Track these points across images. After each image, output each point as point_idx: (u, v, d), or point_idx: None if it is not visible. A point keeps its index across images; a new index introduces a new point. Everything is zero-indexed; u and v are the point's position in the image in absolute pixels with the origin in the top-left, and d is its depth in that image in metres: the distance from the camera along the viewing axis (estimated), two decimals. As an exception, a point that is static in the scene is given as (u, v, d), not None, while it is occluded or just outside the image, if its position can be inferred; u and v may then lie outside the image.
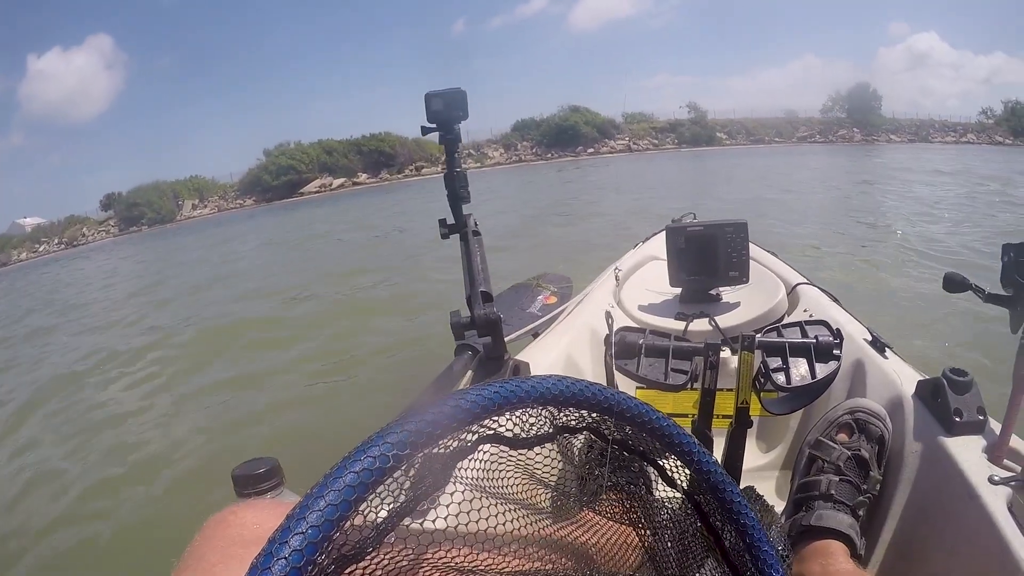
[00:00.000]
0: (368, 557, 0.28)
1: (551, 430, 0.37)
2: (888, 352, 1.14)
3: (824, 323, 0.93)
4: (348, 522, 0.24)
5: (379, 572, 0.29)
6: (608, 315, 1.05)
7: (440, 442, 0.28)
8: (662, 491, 0.43)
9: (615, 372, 0.92)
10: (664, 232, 1.58)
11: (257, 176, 31.05)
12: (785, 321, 1.33)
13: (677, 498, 0.44)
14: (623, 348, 0.94)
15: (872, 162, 18.87)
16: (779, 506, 0.93)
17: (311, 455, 2.44)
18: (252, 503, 0.49)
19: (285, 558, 0.22)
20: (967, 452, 0.83)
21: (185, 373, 4.39)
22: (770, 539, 0.40)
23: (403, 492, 0.29)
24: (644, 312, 1.54)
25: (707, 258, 1.49)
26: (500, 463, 0.37)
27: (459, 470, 0.33)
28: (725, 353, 1.11)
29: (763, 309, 1.44)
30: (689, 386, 0.92)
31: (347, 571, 0.26)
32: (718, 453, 0.92)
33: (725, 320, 1.41)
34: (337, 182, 31.09)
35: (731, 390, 0.89)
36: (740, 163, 20.37)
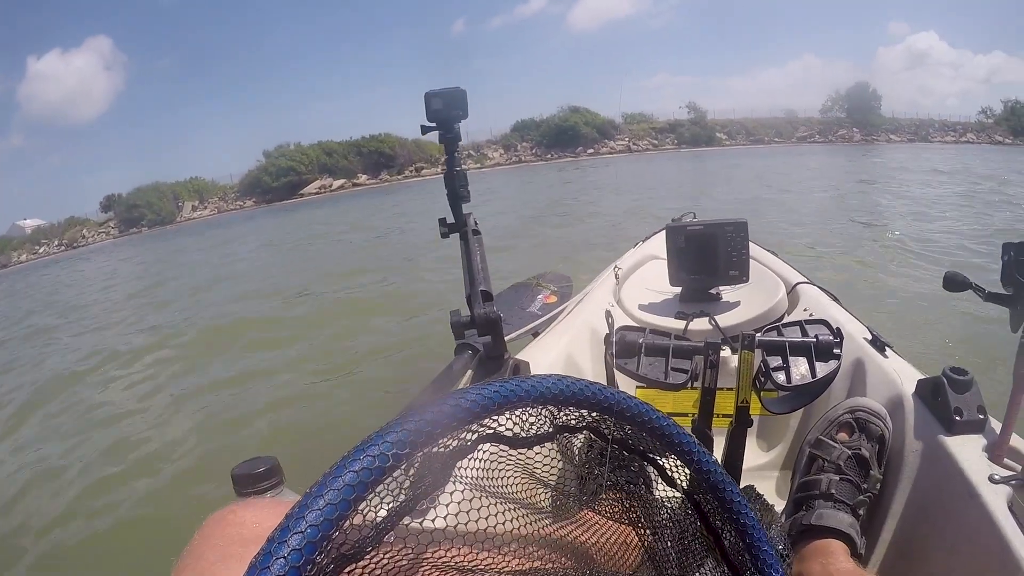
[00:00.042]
0: (368, 556, 0.28)
1: (551, 429, 0.37)
2: (888, 351, 1.14)
3: (824, 322, 0.93)
4: (347, 521, 0.24)
5: (379, 571, 0.29)
6: (608, 314, 1.05)
7: (440, 441, 0.28)
8: (662, 490, 0.43)
9: (615, 371, 0.92)
10: (664, 231, 1.58)
11: (257, 177, 31.04)
12: (785, 320, 1.33)
13: (677, 498, 0.44)
14: (623, 347, 0.94)
15: (871, 162, 18.88)
16: (779, 505, 0.93)
17: (311, 454, 2.44)
18: (251, 502, 0.49)
19: (284, 557, 0.22)
20: (967, 451, 0.82)
21: (185, 373, 4.40)
22: (770, 538, 0.40)
23: (403, 491, 0.29)
24: (644, 311, 1.54)
25: (707, 257, 1.49)
26: (500, 462, 0.37)
27: (459, 469, 0.33)
28: (725, 352, 1.11)
29: (763, 308, 1.44)
30: (689, 385, 0.92)
31: (346, 570, 0.26)
32: (718, 452, 0.92)
33: (725, 319, 1.41)
34: (337, 183, 31.09)
35: (731, 389, 0.89)
36: (739, 163, 20.36)
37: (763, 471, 1.29)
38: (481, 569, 0.36)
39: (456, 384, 0.90)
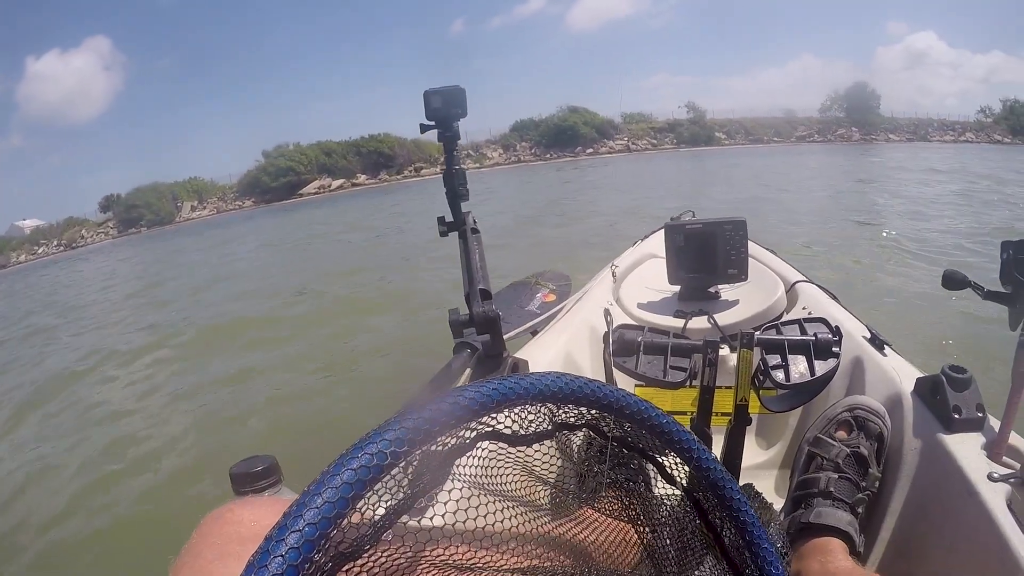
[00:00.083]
0: (366, 555, 0.28)
1: (550, 427, 0.37)
2: (887, 349, 1.14)
3: (823, 320, 0.93)
4: (346, 520, 0.24)
5: (377, 570, 0.29)
6: (607, 312, 1.05)
7: (438, 439, 0.28)
8: (661, 488, 0.43)
9: (614, 369, 0.92)
10: (663, 230, 1.58)
11: (256, 177, 31.01)
12: (784, 319, 1.33)
13: (676, 495, 0.43)
14: (622, 345, 0.94)
15: (869, 161, 18.90)
16: (778, 504, 0.93)
17: (309, 453, 2.44)
18: (249, 500, 0.49)
19: (282, 556, 0.22)
20: (966, 449, 0.83)
21: (183, 372, 4.40)
22: (770, 536, 0.40)
23: (401, 490, 0.29)
24: (643, 310, 1.54)
25: (706, 256, 1.49)
26: (499, 460, 0.37)
27: (457, 467, 0.33)
28: (724, 351, 1.11)
29: (762, 307, 1.44)
30: (688, 384, 0.91)
31: (345, 569, 0.26)
32: (717, 451, 0.92)
33: (724, 318, 1.41)
34: (336, 183, 31.07)
35: (730, 387, 0.89)
36: (738, 163, 20.38)
37: (762, 469, 1.29)
38: (480, 567, 0.36)
39: (455, 382, 0.89)
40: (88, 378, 4.72)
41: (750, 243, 1.54)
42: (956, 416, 0.85)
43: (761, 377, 0.87)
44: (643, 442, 0.40)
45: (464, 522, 0.34)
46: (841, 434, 0.92)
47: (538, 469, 0.42)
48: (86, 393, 4.34)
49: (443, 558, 0.34)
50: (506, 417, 0.34)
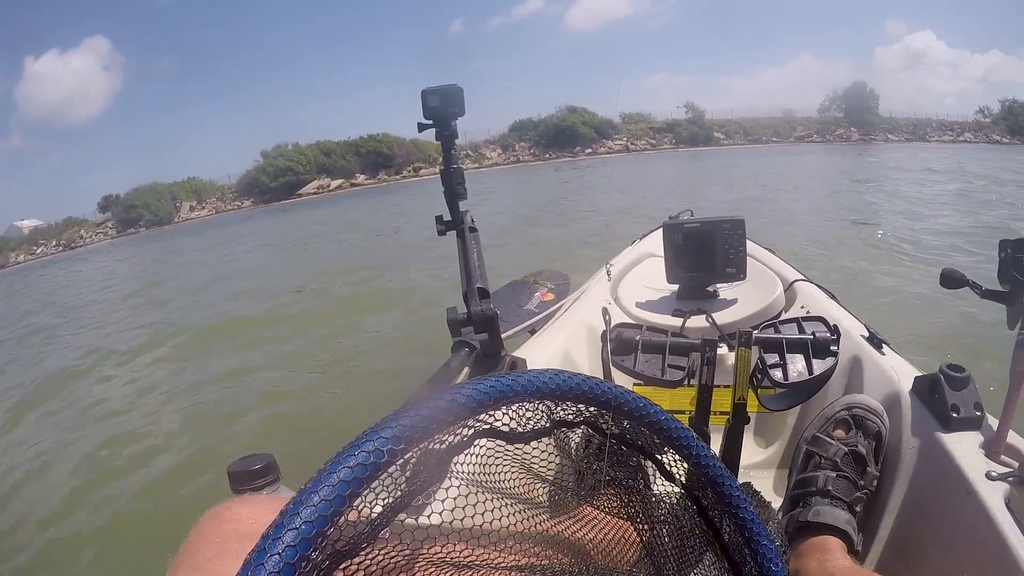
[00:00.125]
0: (363, 553, 0.28)
1: (548, 424, 0.37)
2: (885, 348, 1.14)
3: (821, 319, 0.93)
4: (343, 518, 0.24)
5: (374, 568, 0.29)
6: (605, 311, 1.05)
7: (436, 437, 0.28)
8: (660, 486, 0.43)
9: (612, 368, 0.92)
10: (661, 229, 1.58)
11: (255, 177, 30.98)
12: (782, 317, 1.34)
13: (676, 493, 0.43)
14: (620, 344, 0.94)
15: (868, 161, 18.94)
16: (776, 502, 0.93)
17: (308, 451, 2.45)
18: (247, 498, 0.49)
19: (279, 554, 0.22)
20: (964, 448, 0.83)
21: (182, 371, 4.40)
22: (768, 534, 0.40)
23: (399, 487, 0.29)
24: (641, 309, 1.54)
25: (704, 255, 1.49)
26: (496, 458, 0.37)
27: (455, 465, 0.32)
28: (722, 349, 1.11)
29: (760, 306, 1.44)
30: (686, 382, 0.91)
31: (342, 567, 0.26)
32: (715, 449, 0.92)
33: (722, 317, 1.41)
34: (335, 183, 31.04)
35: (728, 386, 0.89)
36: (737, 163, 20.39)
37: (760, 468, 1.29)
38: (478, 565, 0.36)
39: (453, 381, 0.89)
40: (87, 377, 4.72)
41: (748, 242, 1.54)
42: (954, 415, 0.85)
43: (759, 376, 0.87)
44: (642, 439, 0.40)
45: (462, 520, 0.34)
46: (839, 433, 0.92)
47: (536, 467, 0.42)
48: (85, 392, 4.34)
49: (441, 556, 0.34)
50: (504, 414, 0.34)
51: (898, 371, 1.04)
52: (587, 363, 1.38)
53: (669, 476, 0.42)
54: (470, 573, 0.37)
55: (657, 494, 0.45)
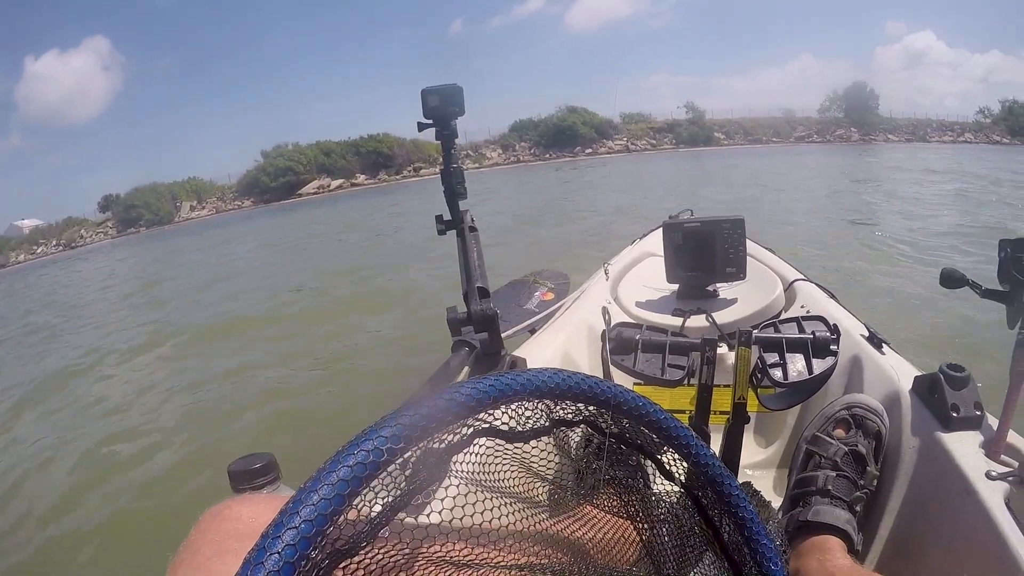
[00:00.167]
0: (362, 552, 0.28)
1: (547, 423, 0.37)
2: (885, 348, 1.14)
3: (821, 319, 0.93)
4: (342, 517, 0.24)
5: (374, 567, 0.29)
6: (605, 311, 1.05)
7: (435, 436, 0.28)
8: (660, 485, 0.43)
9: (612, 368, 0.92)
10: (661, 228, 1.58)
11: (255, 177, 30.98)
12: (782, 317, 1.34)
13: (675, 492, 0.43)
14: (620, 343, 0.94)
15: (868, 161, 18.93)
16: (776, 502, 0.93)
17: (308, 450, 2.45)
18: (248, 497, 0.49)
19: (278, 552, 0.22)
20: (964, 448, 0.83)
21: (182, 370, 4.40)
22: (768, 533, 0.40)
23: (398, 486, 0.29)
24: (641, 308, 1.54)
25: (704, 254, 1.49)
26: (496, 457, 0.37)
27: (454, 464, 0.32)
28: (722, 349, 1.11)
29: (760, 305, 1.44)
30: (686, 382, 0.91)
31: (341, 566, 0.26)
32: (715, 449, 0.92)
33: (722, 316, 1.41)
34: (335, 183, 31.04)
35: (728, 386, 0.89)
36: (737, 163, 20.39)
37: (760, 468, 1.29)
38: (478, 564, 0.36)
39: (453, 380, 0.89)
40: (87, 375, 4.73)
41: (748, 242, 1.54)
42: (954, 414, 0.85)
43: (759, 375, 0.87)
44: (641, 438, 0.40)
45: (461, 519, 0.34)
46: (839, 432, 0.92)
47: (536, 466, 0.42)
48: (85, 390, 4.35)
49: (441, 555, 0.34)
50: (503, 413, 0.34)
51: (898, 371, 1.04)
52: (587, 362, 1.38)
53: (668, 475, 0.42)
54: (470, 572, 0.37)
55: (657, 493, 0.45)
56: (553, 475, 0.44)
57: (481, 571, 0.37)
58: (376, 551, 0.29)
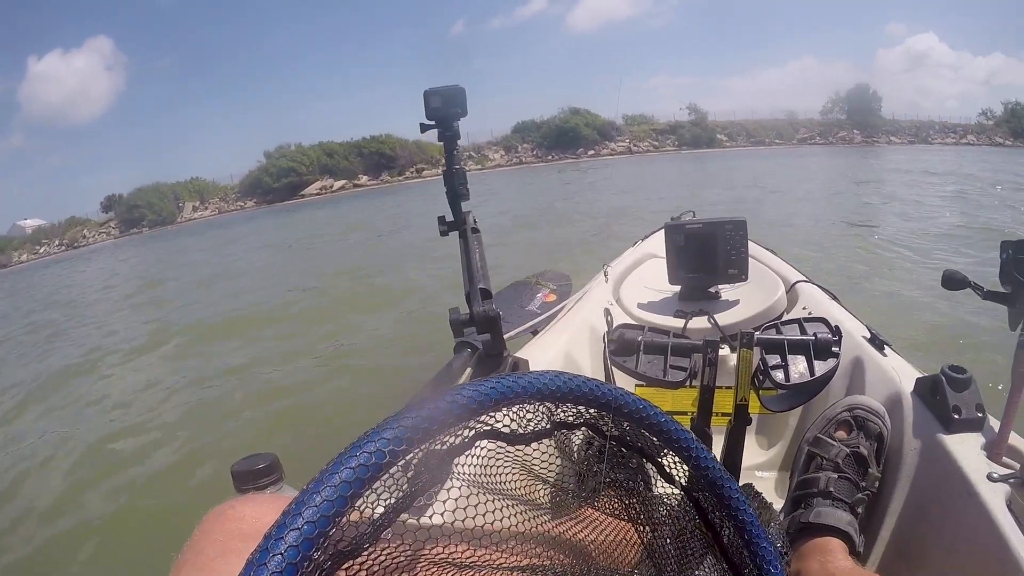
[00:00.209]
0: (365, 553, 0.28)
1: (548, 426, 0.37)
2: (887, 349, 1.14)
3: (823, 320, 0.93)
4: (345, 518, 0.24)
5: (376, 568, 0.29)
6: (607, 312, 1.05)
7: (437, 438, 0.28)
8: (661, 488, 0.43)
9: (614, 369, 0.92)
10: (663, 230, 1.58)
11: (257, 178, 31.04)
12: (784, 318, 1.34)
13: (676, 495, 0.43)
14: (622, 345, 0.94)
15: (870, 164, 18.90)
16: (778, 503, 0.93)
17: (311, 451, 2.45)
18: (251, 497, 0.49)
19: (281, 554, 0.22)
20: (966, 449, 0.83)
21: (184, 370, 4.41)
22: (769, 536, 0.40)
23: (400, 488, 0.29)
24: (643, 310, 1.54)
25: (706, 256, 1.49)
26: (498, 459, 0.37)
27: (456, 466, 0.33)
28: (724, 350, 1.11)
29: (762, 307, 1.44)
30: (688, 383, 0.91)
31: (344, 567, 0.26)
32: (717, 451, 0.92)
33: (724, 317, 1.41)
34: (338, 184, 31.08)
35: (730, 387, 0.89)
36: (740, 165, 20.37)
37: (762, 469, 1.29)
38: (479, 565, 0.36)
39: (455, 382, 0.89)
40: (90, 374, 4.74)
41: (750, 243, 1.54)
42: (956, 416, 0.85)
43: (761, 377, 0.87)
44: (642, 441, 0.40)
45: (463, 520, 0.34)
46: (841, 434, 0.92)
47: (537, 468, 0.42)
48: (88, 389, 4.36)
49: (443, 556, 0.34)
50: (504, 416, 0.34)
51: (900, 372, 1.03)
52: (589, 364, 1.38)
53: (669, 478, 0.42)
54: (472, 573, 0.37)
55: (658, 496, 0.45)
56: (554, 477, 0.44)
57: (483, 572, 0.37)
58: (378, 552, 0.29)
